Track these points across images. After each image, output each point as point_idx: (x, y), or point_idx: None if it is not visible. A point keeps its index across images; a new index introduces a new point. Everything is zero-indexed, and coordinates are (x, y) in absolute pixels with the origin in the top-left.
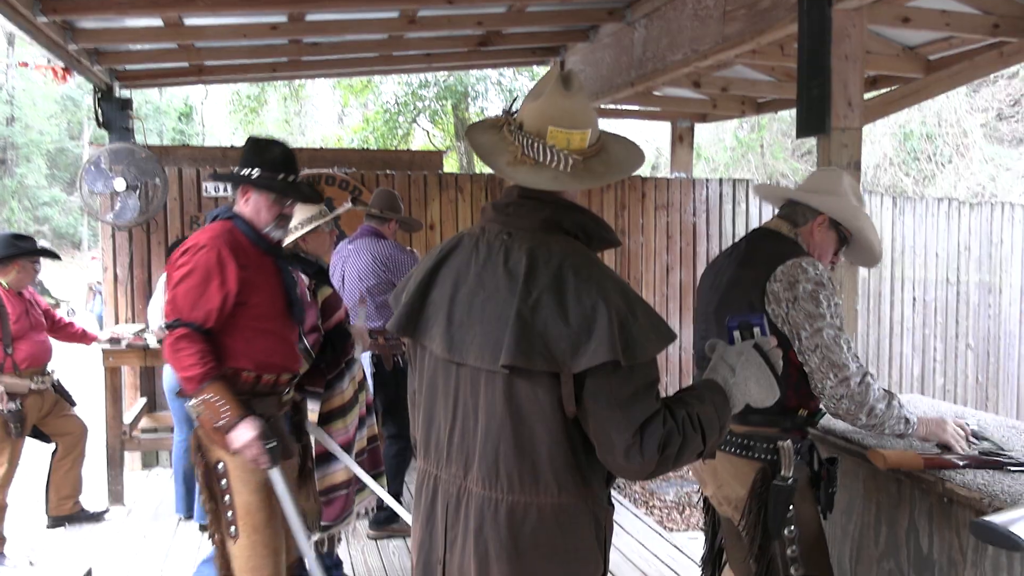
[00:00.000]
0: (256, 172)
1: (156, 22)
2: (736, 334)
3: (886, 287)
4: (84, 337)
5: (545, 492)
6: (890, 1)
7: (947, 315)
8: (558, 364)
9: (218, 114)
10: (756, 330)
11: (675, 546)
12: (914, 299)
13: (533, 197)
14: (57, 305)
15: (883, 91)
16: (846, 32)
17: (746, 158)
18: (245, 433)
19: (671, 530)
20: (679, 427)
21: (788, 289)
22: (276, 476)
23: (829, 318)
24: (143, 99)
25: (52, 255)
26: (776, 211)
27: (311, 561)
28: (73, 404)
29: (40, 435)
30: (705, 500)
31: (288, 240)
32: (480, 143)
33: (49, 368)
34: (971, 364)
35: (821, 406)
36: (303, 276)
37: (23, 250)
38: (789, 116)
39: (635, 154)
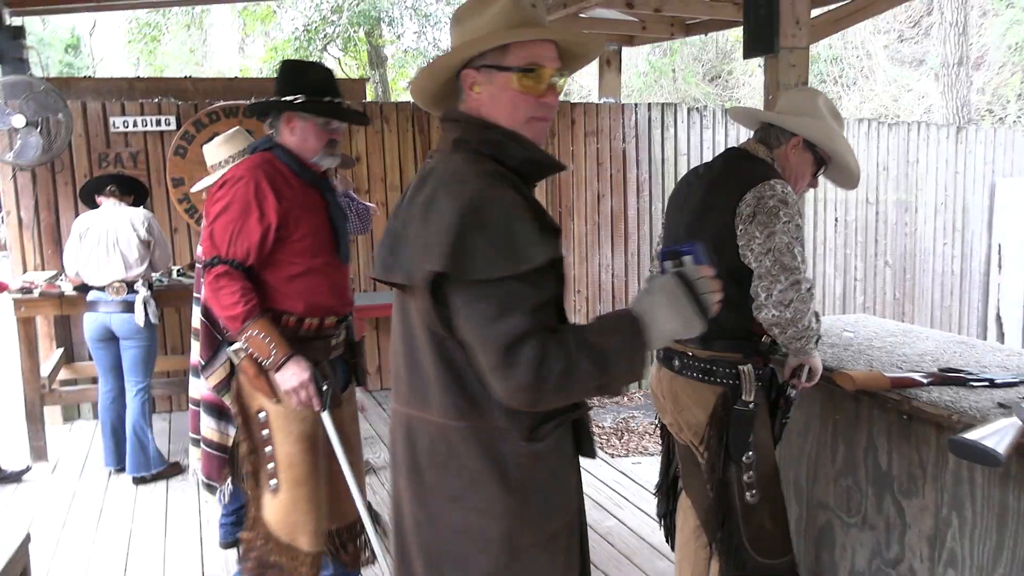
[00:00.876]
0: (299, 98)
1: None
2: (667, 264)
3: (809, 208)
4: None
5: (433, 411)
6: None
7: (867, 234)
8: (409, 279)
9: (110, 45)
10: (688, 259)
11: (620, 471)
12: (836, 220)
13: (451, 119)
14: None
15: (829, 8)
16: None
17: (659, 83)
18: (296, 373)
19: (612, 455)
20: (563, 352)
21: (751, 206)
22: (327, 420)
23: (784, 228)
24: (26, 30)
25: None
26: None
27: (364, 514)
28: None
29: None
30: (662, 428)
31: (213, 178)
32: None
33: None
34: (889, 281)
35: (758, 316)
36: None
37: None
38: (700, 40)
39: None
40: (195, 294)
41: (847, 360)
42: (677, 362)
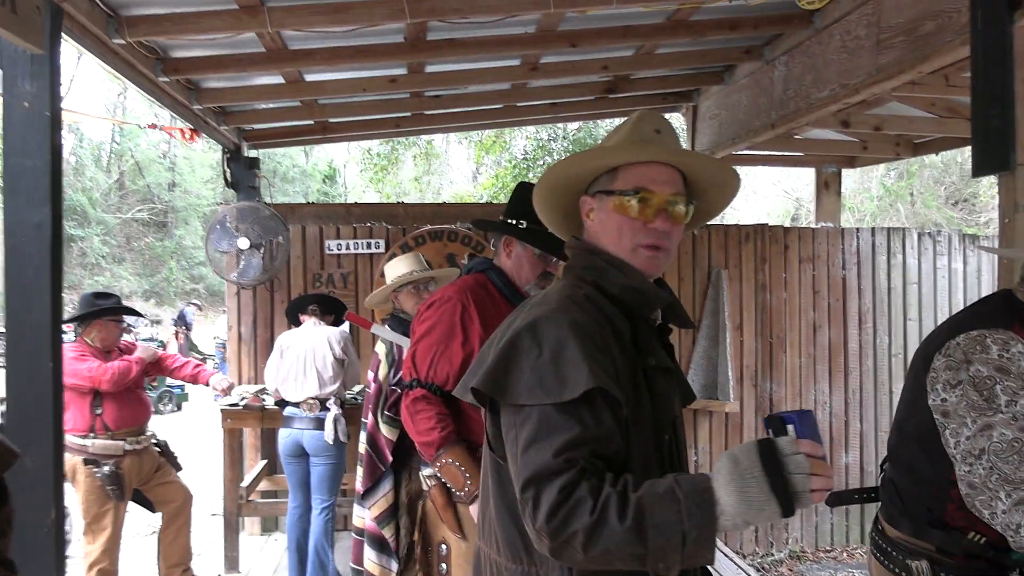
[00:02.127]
0: (522, 223)
1: (277, 79)
2: (770, 432)
3: None
4: (196, 376)
5: (493, 548)
6: None
7: None
8: (466, 394)
9: (359, 176)
10: (790, 428)
11: None
12: None
13: (568, 246)
14: (204, 361)
15: None
16: None
17: (895, 207)
18: None
19: None
20: (593, 505)
21: (954, 369)
22: None
23: (1006, 415)
24: (291, 163)
25: (131, 312)
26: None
27: None
28: (178, 468)
29: (144, 502)
30: None
31: (380, 291)
32: None
33: (148, 429)
34: None
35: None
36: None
37: (101, 309)
38: (941, 161)
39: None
40: (363, 419)
41: None
42: (873, 532)
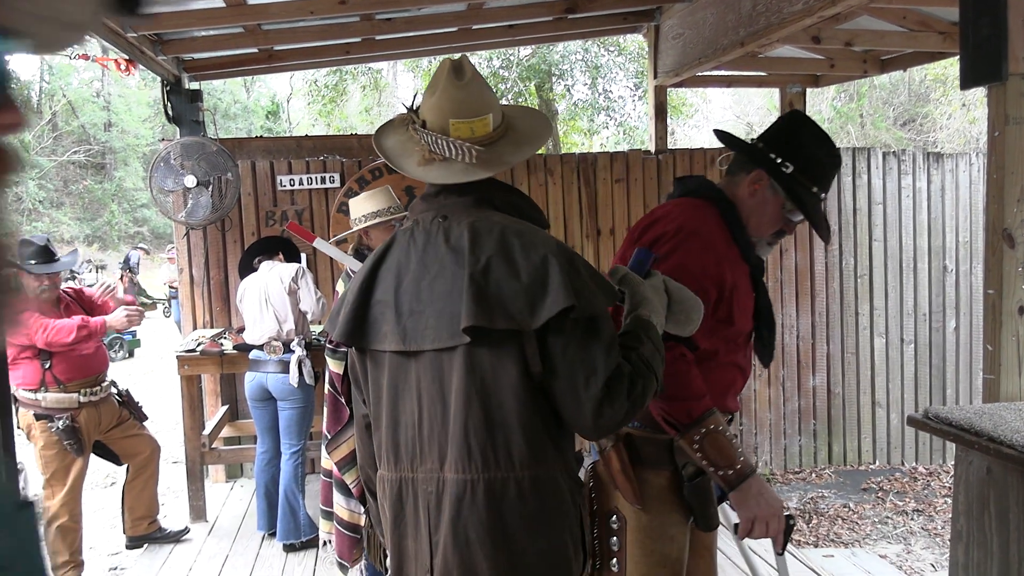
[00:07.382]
0: (790, 167)
1: (217, 2)
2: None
3: None
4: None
5: (520, 465)
6: None
7: None
8: (517, 321)
9: (304, 110)
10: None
11: (811, 568)
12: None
13: (463, 182)
14: (154, 306)
15: None
16: None
17: (845, 129)
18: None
19: (799, 544)
20: (637, 371)
21: None
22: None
23: None
24: (232, 99)
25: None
26: None
27: None
28: (143, 419)
29: (109, 455)
30: None
31: (349, 232)
32: (387, 147)
33: (107, 378)
34: None
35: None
36: None
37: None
38: (890, 82)
39: (541, 125)
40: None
41: None
42: None
